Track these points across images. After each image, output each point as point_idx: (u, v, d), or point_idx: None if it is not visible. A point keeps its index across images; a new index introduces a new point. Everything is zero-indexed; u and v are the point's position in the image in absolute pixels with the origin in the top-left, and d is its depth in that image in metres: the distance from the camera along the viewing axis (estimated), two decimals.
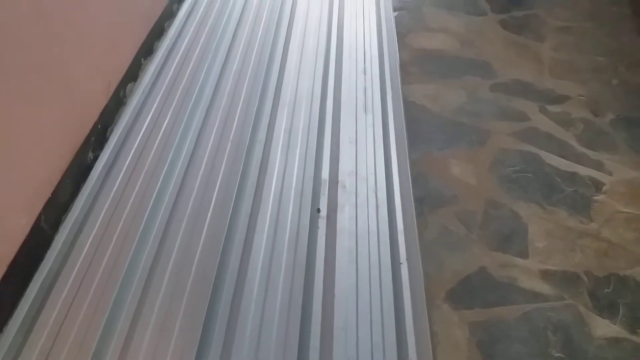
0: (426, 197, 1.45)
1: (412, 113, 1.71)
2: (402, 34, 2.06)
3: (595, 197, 1.49)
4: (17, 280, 0.91)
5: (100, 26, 1.21)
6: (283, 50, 1.55)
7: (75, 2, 1.09)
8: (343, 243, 1.06)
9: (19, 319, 0.86)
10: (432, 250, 1.30)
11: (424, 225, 1.35)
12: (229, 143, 1.22)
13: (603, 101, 1.84)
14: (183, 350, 0.85)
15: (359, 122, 1.35)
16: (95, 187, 1.08)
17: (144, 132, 1.21)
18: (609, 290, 1.27)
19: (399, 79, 1.52)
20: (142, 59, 1.44)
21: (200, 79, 1.37)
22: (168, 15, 1.61)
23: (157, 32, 1.54)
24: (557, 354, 1.13)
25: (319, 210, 1.11)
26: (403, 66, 1.79)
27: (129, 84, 1.36)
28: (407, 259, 1.05)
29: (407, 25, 2.16)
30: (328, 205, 1.13)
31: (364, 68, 1.54)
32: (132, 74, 1.38)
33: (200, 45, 1.49)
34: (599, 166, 1.59)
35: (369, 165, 1.23)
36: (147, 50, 1.47)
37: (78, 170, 1.11)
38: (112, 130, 1.22)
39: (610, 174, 1.56)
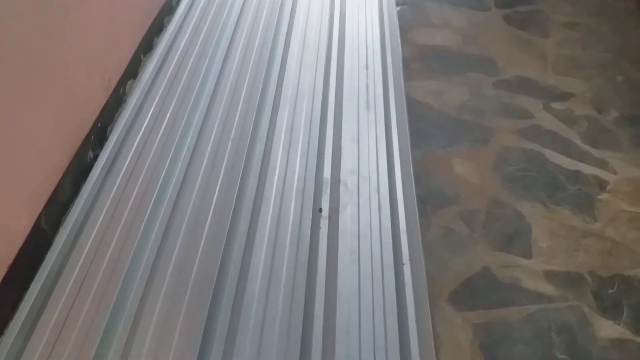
0: (429, 196, 1.44)
1: (415, 110, 1.70)
2: (405, 30, 2.04)
3: (599, 196, 1.48)
4: (18, 282, 0.90)
5: (100, 22, 1.20)
6: (284, 45, 1.53)
7: None
8: (345, 243, 1.05)
9: (19, 321, 0.86)
10: (434, 250, 1.30)
11: (426, 225, 1.34)
12: (230, 140, 1.21)
13: (607, 98, 1.83)
14: (184, 351, 0.84)
15: (361, 119, 1.34)
16: (95, 186, 1.07)
17: (144, 130, 1.20)
18: (613, 290, 1.26)
19: (401, 75, 1.51)
20: (142, 55, 1.43)
21: (201, 75, 1.36)
22: (167, 10, 1.59)
23: (157, 27, 1.52)
24: (561, 356, 1.13)
25: (320, 210, 1.11)
26: (405, 62, 1.77)
27: (129, 81, 1.34)
28: (409, 259, 1.04)
29: (409, 20, 2.14)
30: (330, 204, 1.12)
31: (366, 64, 1.53)
32: (132, 71, 1.36)
33: (200, 40, 1.47)
34: (603, 164, 1.57)
35: (371, 163, 1.22)
36: (146, 46, 1.45)
37: (78, 170, 1.10)
38: (112, 129, 1.21)
39: (615, 172, 1.55)
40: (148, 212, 1.04)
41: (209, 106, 1.29)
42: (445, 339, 1.13)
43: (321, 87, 1.40)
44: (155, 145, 1.17)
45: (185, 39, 1.46)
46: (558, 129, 1.69)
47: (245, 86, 1.36)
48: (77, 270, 0.94)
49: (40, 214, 0.98)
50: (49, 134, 1.02)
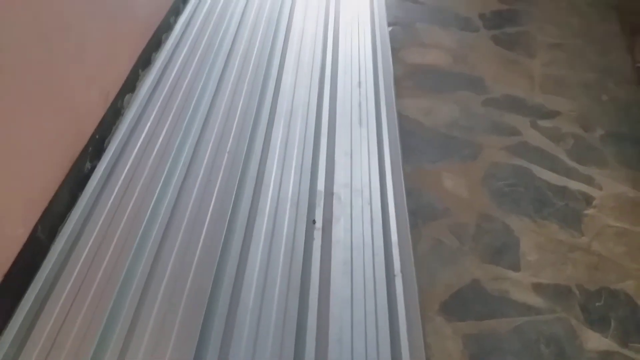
0: (419, 209, 1.46)
1: (406, 127, 1.74)
2: (396, 49, 2.09)
3: (586, 211, 1.51)
4: (13, 290, 0.91)
5: (99, 38, 1.22)
6: (279, 62, 1.57)
7: (75, 14, 1.11)
8: (338, 255, 1.07)
9: (13, 330, 0.86)
10: (425, 262, 1.32)
11: (417, 238, 1.36)
12: (226, 155, 1.23)
13: (593, 117, 1.88)
14: None
15: (354, 135, 1.37)
16: (92, 197, 1.08)
17: (141, 143, 1.22)
18: (600, 303, 1.28)
19: (393, 93, 1.54)
20: (140, 70, 1.45)
21: (198, 90, 1.38)
22: (165, 27, 1.63)
23: (155, 43, 1.55)
24: None
25: (314, 222, 1.13)
26: (397, 81, 1.81)
27: (127, 95, 1.37)
28: (401, 271, 1.06)
29: (401, 40, 2.20)
30: (323, 216, 1.14)
31: (359, 82, 1.56)
32: (130, 85, 1.39)
33: (197, 57, 1.50)
34: (589, 181, 1.61)
35: (363, 177, 1.25)
36: (145, 61, 1.48)
37: (75, 180, 1.12)
38: (109, 141, 1.23)
39: (600, 188, 1.59)
40: (144, 223, 1.05)
41: (205, 121, 1.32)
42: (436, 349, 1.14)
43: (315, 104, 1.44)
44: (152, 157, 1.19)
45: (182, 55, 1.50)
46: (545, 146, 1.73)
47: (241, 102, 1.39)
48: (72, 279, 0.95)
49: (37, 223, 0.99)
50: (47, 145, 1.03)
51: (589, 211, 1.52)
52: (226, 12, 1.73)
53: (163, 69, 1.44)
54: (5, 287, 0.89)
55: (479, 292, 1.26)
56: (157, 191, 1.12)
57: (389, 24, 2.04)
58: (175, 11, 1.71)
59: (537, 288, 1.30)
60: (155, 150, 1.21)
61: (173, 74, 1.43)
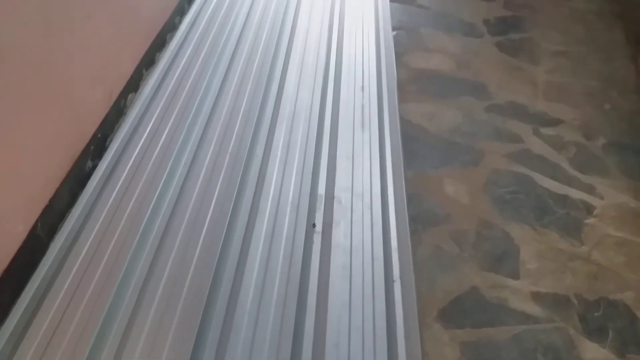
0: (420, 215, 1.46)
1: (408, 132, 1.74)
2: (400, 54, 2.09)
3: (587, 221, 1.51)
4: (11, 287, 0.91)
5: (104, 37, 1.23)
6: (283, 65, 1.57)
7: (80, 13, 1.11)
8: (337, 259, 1.07)
9: (11, 326, 0.86)
10: (425, 268, 1.32)
11: (417, 243, 1.36)
12: (227, 156, 1.23)
13: (595, 125, 1.88)
14: None
15: (356, 138, 1.36)
16: (92, 195, 1.08)
17: (143, 143, 1.22)
18: (599, 313, 1.28)
19: (396, 97, 1.54)
20: (144, 70, 1.46)
21: (201, 91, 1.38)
22: (170, 27, 1.63)
23: (159, 43, 1.55)
24: None
25: (314, 225, 1.12)
26: (400, 85, 1.82)
27: (130, 94, 1.37)
28: (400, 276, 1.06)
29: (405, 45, 2.20)
30: (323, 220, 1.14)
31: (362, 85, 1.56)
32: (134, 84, 1.39)
33: (201, 58, 1.51)
34: (590, 190, 1.61)
35: (364, 182, 1.25)
36: (149, 61, 1.48)
37: (76, 179, 1.12)
38: (111, 140, 1.23)
39: (602, 197, 1.59)
40: (144, 223, 1.05)
41: (207, 121, 1.32)
42: (433, 356, 1.14)
43: (318, 107, 1.43)
44: (154, 157, 1.19)
45: (186, 56, 1.50)
46: (547, 153, 1.73)
47: (244, 103, 1.39)
48: (70, 277, 0.95)
49: (37, 220, 0.99)
50: (49, 142, 1.03)
51: (590, 220, 1.51)
52: (231, 13, 1.73)
53: (167, 69, 1.44)
54: (3, 284, 0.89)
55: (477, 300, 1.26)
56: (158, 191, 1.11)
57: (394, 28, 2.04)
58: (180, 11, 1.71)
59: (536, 297, 1.29)
60: (157, 150, 1.21)
61: (177, 74, 1.43)
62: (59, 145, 1.07)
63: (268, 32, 1.68)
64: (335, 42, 1.72)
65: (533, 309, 1.26)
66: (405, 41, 2.23)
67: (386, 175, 1.27)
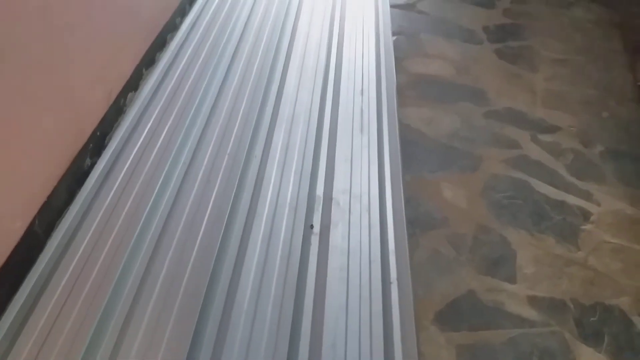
0: (418, 218, 1.46)
1: (407, 136, 1.74)
2: (400, 59, 2.10)
3: (583, 227, 1.52)
4: (8, 284, 0.90)
5: (104, 35, 1.23)
6: (283, 68, 1.57)
7: (81, 12, 1.11)
8: (335, 260, 1.07)
9: (7, 323, 0.86)
10: (422, 271, 1.32)
11: (414, 247, 1.37)
12: (226, 157, 1.23)
13: (593, 133, 1.89)
14: None
15: (354, 141, 1.37)
16: (90, 193, 1.08)
17: (142, 141, 1.22)
18: (595, 318, 1.28)
19: (395, 101, 1.55)
20: (144, 69, 1.46)
21: (200, 92, 1.39)
22: (171, 27, 1.64)
23: (160, 43, 1.56)
24: None
25: (312, 227, 1.12)
26: (400, 90, 1.82)
27: (130, 93, 1.37)
28: (397, 278, 1.06)
29: (404, 50, 2.21)
30: (321, 222, 1.14)
31: (362, 89, 1.57)
32: (133, 84, 1.39)
33: (201, 59, 1.51)
34: (587, 196, 1.62)
35: (363, 184, 1.25)
36: (149, 61, 1.49)
37: (74, 177, 1.12)
38: (110, 138, 1.23)
39: (598, 204, 1.59)
40: (141, 221, 1.05)
41: (207, 121, 1.32)
42: (429, 358, 1.14)
43: (317, 109, 1.44)
44: (153, 156, 1.19)
45: (187, 56, 1.50)
46: (545, 160, 1.74)
47: (243, 104, 1.39)
48: (68, 274, 0.94)
49: (35, 217, 0.99)
50: (48, 140, 1.03)
51: (587, 226, 1.52)
52: (232, 15, 1.73)
53: (167, 69, 1.44)
54: (0, 280, 0.89)
55: (474, 303, 1.26)
56: (156, 190, 1.11)
57: (394, 34, 2.05)
58: (182, 12, 1.72)
59: (533, 301, 1.30)
60: (156, 149, 1.21)
61: (177, 74, 1.43)
62: (58, 143, 1.07)
63: (269, 34, 1.69)
64: (336, 45, 1.73)
65: (529, 313, 1.27)
66: (405, 46, 2.24)
67: (384, 178, 1.28)
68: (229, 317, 0.93)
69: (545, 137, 1.84)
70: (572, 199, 1.60)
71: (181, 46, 1.54)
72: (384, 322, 0.98)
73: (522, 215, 1.52)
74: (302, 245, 1.08)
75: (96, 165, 1.14)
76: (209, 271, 0.98)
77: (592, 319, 1.28)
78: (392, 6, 2.26)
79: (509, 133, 1.84)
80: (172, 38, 1.58)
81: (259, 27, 1.72)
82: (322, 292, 1.01)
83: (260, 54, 1.60)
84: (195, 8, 1.70)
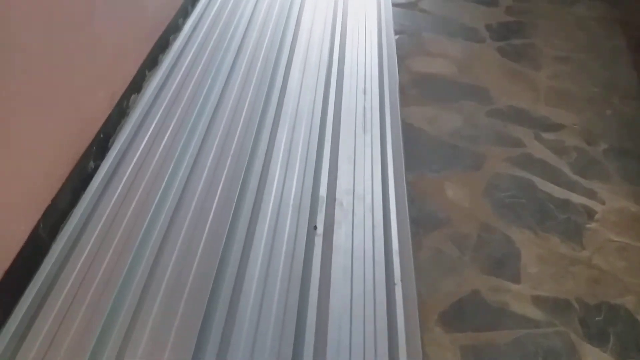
0: (421, 218, 1.46)
1: (409, 135, 1.74)
2: (402, 57, 2.09)
3: (588, 225, 1.51)
4: (13, 287, 0.91)
5: (107, 39, 1.23)
6: (286, 67, 1.57)
7: (84, 13, 1.11)
8: (338, 261, 1.07)
9: (12, 326, 0.86)
10: (425, 271, 1.31)
11: (418, 247, 1.36)
12: (230, 157, 1.23)
13: (596, 131, 1.88)
14: None
15: (357, 141, 1.37)
16: (95, 196, 1.08)
17: (145, 143, 1.22)
18: (600, 318, 1.28)
19: (397, 100, 1.55)
20: (147, 71, 1.46)
21: (203, 93, 1.39)
22: (173, 29, 1.63)
23: (162, 45, 1.56)
24: None
25: (315, 228, 1.12)
26: (402, 88, 1.82)
27: (133, 95, 1.37)
28: (401, 279, 1.06)
29: (407, 48, 2.21)
30: (325, 222, 1.14)
31: (364, 88, 1.57)
32: (136, 85, 1.39)
33: (204, 59, 1.51)
34: (591, 194, 1.61)
35: (366, 184, 1.25)
36: (151, 62, 1.49)
37: (78, 179, 1.12)
38: (114, 140, 1.23)
39: (603, 202, 1.59)
40: (146, 223, 1.05)
41: (210, 122, 1.32)
42: (434, 359, 1.14)
43: (320, 109, 1.44)
44: (156, 158, 1.19)
45: (189, 57, 1.50)
46: (548, 158, 1.73)
47: (246, 104, 1.39)
48: (72, 278, 0.95)
49: (39, 221, 0.99)
50: (51, 143, 1.04)
51: (591, 225, 1.51)
52: (234, 15, 1.73)
53: (170, 70, 1.44)
54: (5, 284, 0.89)
55: (478, 303, 1.26)
56: (160, 191, 1.12)
57: (396, 33, 2.04)
58: (184, 13, 1.72)
59: (537, 301, 1.29)
60: (159, 150, 1.21)
61: (179, 76, 1.43)
62: (62, 146, 1.07)
63: (271, 34, 1.69)
64: (338, 45, 1.73)
65: (534, 313, 1.26)
66: (408, 45, 2.23)
67: (387, 178, 1.28)
68: (233, 320, 0.93)
69: (549, 135, 1.83)
70: (576, 198, 1.59)
71: (184, 47, 1.54)
72: (388, 324, 0.98)
73: (526, 214, 1.52)
74: (305, 246, 1.07)
75: (100, 168, 1.14)
76: (214, 273, 0.98)
77: (597, 318, 1.28)
78: (394, 5, 2.25)
79: (512, 131, 1.83)
80: (174, 39, 1.58)
81: (261, 26, 1.72)
82: (326, 293, 1.01)
83: (262, 53, 1.59)
84: (198, 9, 1.70)
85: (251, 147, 1.26)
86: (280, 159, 1.26)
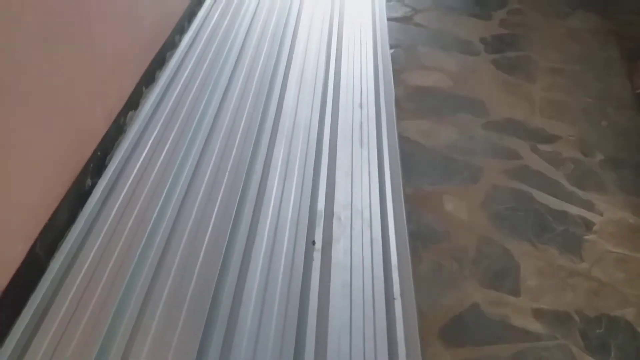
0: (419, 232, 1.46)
1: (406, 148, 1.74)
2: (398, 71, 2.11)
3: (586, 237, 1.51)
4: (10, 307, 0.90)
5: (104, 55, 1.24)
6: (282, 82, 1.58)
7: (81, 29, 1.12)
8: (337, 277, 1.07)
9: (10, 347, 0.85)
10: (425, 286, 1.31)
11: (417, 261, 1.36)
12: (227, 173, 1.23)
13: (592, 142, 1.89)
14: None
15: (354, 155, 1.37)
16: (92, 214, 1.08)
17: (143, 160, 1.22)
18: (601, 330, 1.27)
19: (394, 114, 1.55)
20: (144, 87, 1.47)
21: (200, 109, 1.39)
22: (170, 45, 1.65)
23: (159, 61, 1.57)
24: None
25: (314, 243, 1.12)
26: (398, 102, 1.83)
27: (130, 112, 1.37)
28: (400, 294, 1.05)
29: (402, 62, 2.22)
30: (323, 237, 1.14)
31: (361, 102, 1.58)
32: (133, 102, 1.40)
33: (200, 76, 1.52)
34: (589, 206, 1.62)
35: (364, 198, 1.25)
36: (148, 78, 1.49)
37: (75, 197, 1.12)
38: (111, 158, 1.23)
39: (601, 214, 1.59)
40: (144, 240, 1.04)
41: (207, 138, 1.32)
42: None
43: (317, 123, 1.44)
44: (154, 174, 1.19)
45: (186, 73, 1.51)
46: (545, 170, 1.74)
47: (243, 120, 1.39)
48: (70, 295, 0.94)
49: (36, 239, 0.99)
50: (48, 160, 1.04)
51: (589, 237, 1.51)
52: (230, 30, 1.75)
53: (166, 86, 1.45)
54: (3, 303, 0.89)
55: (478, 317, 1.26)
56: (158, 208, 1.11)
57: (391, 47, 2.06)
58: (180, 29, 1.73)
59: (537, 313, 1.29)
60: (156, 168, 1.21)
61: (176, 92, 1.44)
62: (59, 164, 1.07)
63: (267, 49, 1.70)
64: (334, 59, 1.74)
65: (534, 326, 1.26)
66: (403, 59, 2.25)
67: (385, 192, 1.28)
68: (232, 336, 0.92)
69: (545, 147, 1.84)
70: (574, 209, 1.60)
71: (180, 63, 1.55)
72: (388, 339, 0.97)
73: (524, 226, 1.52)
74: (304, 262, 1.07)
75: (97, 186, 1.14)
76: (212, 290, 0.98)
77: (597, 330, 1.27)
78: (390, 19, 2.27)
79: (508, 144, 1.84)
80: (171, 55, 1.59)
81: (257, 42, 1.73)
82: (325, 309, 1.00)
83: (259, 69, 1.60)
84: (194, 25, 1.72)
85: (248, 162, 1.26)
86: (277, 173, 1.26)
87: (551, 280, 1.37)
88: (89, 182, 1.18)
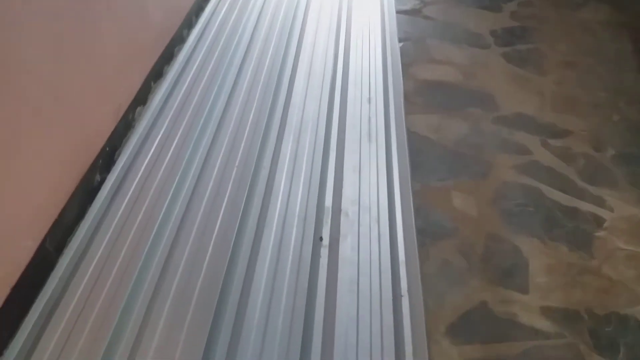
0: (427, 228, 1.45)
1: (415, 143, 1.73)
2: (407, 65, 2.09)
3: (597, 234, 1.50)
4: (20, 303, 0.91)
5: (112, 51, 1.24)
6: (290, 77, 1.57)
7: (89, 26, 1.12)
8: (345, 273, 1.06)
9: (19, 342, 0.86)
10: (433, 282, 1.30)
11: (425, 257, 1.35)
12: (235, 168, 1.23)
13: (604, 137, 1.86)
14: None
15: (362, 150, 1.36)
16: (101, 210, 1.09)
17: (151, 155, 1.23)
18: (610, 329, 1.26)
19: (402, 108, 1.54)
20: (152, 83, 1.46)
21: (208, 104, 1.39)
22: (178, 40, 1.64)
23: (167, 56, 1.56)
24: None
25: (321, 239, 1.12)
26: (407, 96, 1.81)
27: (138, 107, 1.38)
28: (408, 291, 1.05)
29: (411, 56, 2.20)
30: (331, 233, 1.13)
31: (369, 97, 1.56)
32: (142, 98, 1.40)
33: (209, 70, 1.51)
34: (600, 202, 1.60)
35: (372, 194, 1.24)
36: (157, 74, 1.49)
37: (84, 193, 1.12)
38: (119, 153, 1.24)
39: (612, 210, 1.57)
40: (152, 236, 1.05)
41: (215, 133, 1.32)
42: None
43: (325, 118, 1.43)
44: (162, 170, 1.19)
45: (194, 68, 1.51)
46: (556, 165, 1.72)
47: (251, 115, 1.39)
48: (79, 291, 0.95)
49: (46, 235, 0.99)
50: (57, 157, 1.04)
51: (600, 233, 1.50)
52: (239, 25, 1.74)
53: (175, 81, 1.45)
54: (12, 299, 0.89)
55: (486, 315, 1.25)
56: (166, 203, 1.12)
57: (400, 40, 2.04)
58: (188, 24, 1.72)
59: (546, 312, 1.28)
60: (165, 163, 1.21)
61: (184, 87, 1.44)
62: (68, 160, 1.08)
63: (275, 43, 1.69)
64: (342, 53, 1.73)
65: (543, 324, 1.25)
66: (412, 52, 2.23)
67: (393, 187, 1.27)
68: (239, 332, 0.93)
69: (556, 142, 1.82)
70: (584, 205, 1.58)
71: (189, 58, 1.54)
72: (395, 336, 0.97)
73: (534, 222, 1.51)
74: (311, 258, 1.07)
75: (106, 181, 1.15)
76: (220, 284, 0.98)
77: (607, 329, 1.26)
78: (398, 12, 2.25)
79: (518, 138, 1.82)
80: (179, 50, 1.59)
81: (265, 36, 1.73)
82: (332, 305, 1.00)
83: (267, 63, 1.60)
84: (202, 20, 1.71)
85: (256, 157, 1.26)
86: (285, 169, 1.26)
87: (560, 278, 1.36)
88: (97, 178, 1.18)
